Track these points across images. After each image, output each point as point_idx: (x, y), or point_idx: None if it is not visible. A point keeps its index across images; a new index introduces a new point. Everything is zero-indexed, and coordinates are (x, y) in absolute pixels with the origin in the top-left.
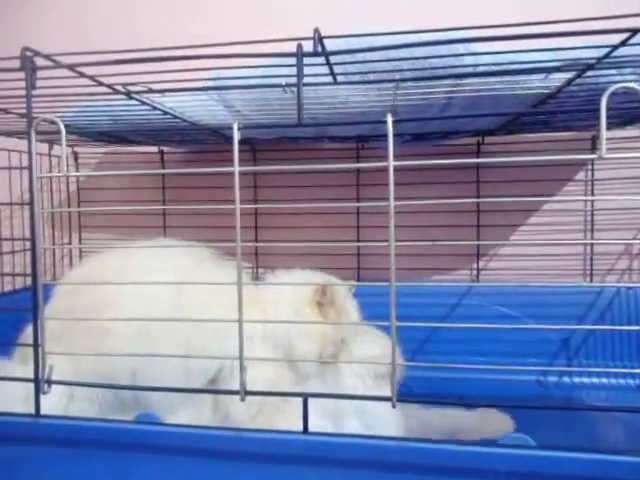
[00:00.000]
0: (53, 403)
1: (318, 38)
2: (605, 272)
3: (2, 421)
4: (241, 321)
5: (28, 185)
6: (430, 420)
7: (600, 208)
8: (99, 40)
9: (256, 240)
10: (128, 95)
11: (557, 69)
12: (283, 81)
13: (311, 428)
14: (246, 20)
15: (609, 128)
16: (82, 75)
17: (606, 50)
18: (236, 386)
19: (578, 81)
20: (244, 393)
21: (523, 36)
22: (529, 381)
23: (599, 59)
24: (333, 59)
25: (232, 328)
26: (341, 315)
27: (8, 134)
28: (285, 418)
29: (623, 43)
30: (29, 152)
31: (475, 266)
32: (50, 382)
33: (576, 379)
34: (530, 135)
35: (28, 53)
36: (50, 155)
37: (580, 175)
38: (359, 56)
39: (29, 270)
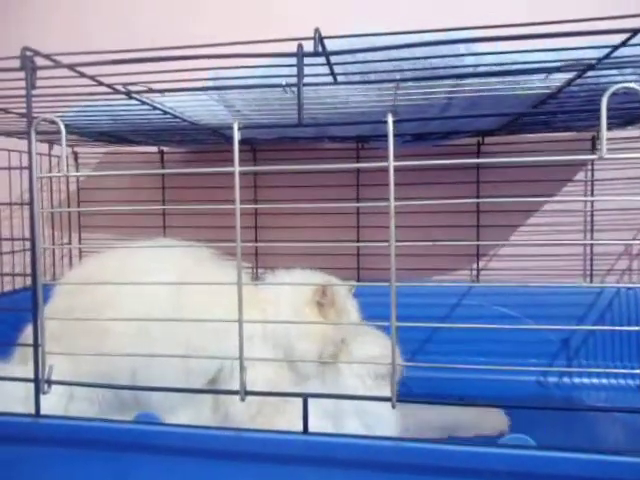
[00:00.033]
0: (53, 403)
1: (319, 38)
2: (605, 272)
3: (2, 421)
4: (241, 321)
5: (28, 185)
6: (427, 418)
7: (600, 208)
8: (99, 40)
9: (256, 240)
10: (128, 95)
11: (558, 69)
12: (283, 81)
13: (311, 428)
14: (246, 20)
15: (609, 128)
16: (82, 75)
17: (607, 50)
18: (236, 386)
19: (579, 81)
20: (244, 393)
21: (524, 36)
22: (529, 381)
23: (600, 59)
24: (333, 59)
25: (232, 328)
26: (341, 315)
27: (8, 134)
28: (285, 418)
29: (624, 43)
30: (29, 152)
31: (475, 266)
32: (50, 382)
33: (576, 379)
34: (530, 135)
35: (28, 53)
36: (50, 155)
37: (580, 175)
38: (360, 56)
39: (29, 270)
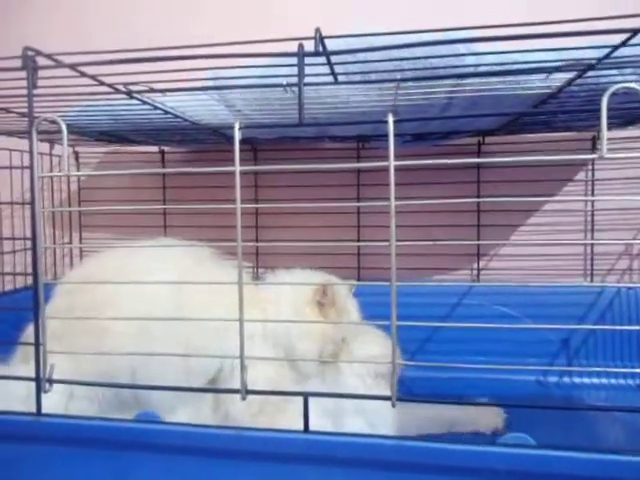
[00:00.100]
0: (54, 402)
1: (319, 38)
2: (605, 272)
3: (4, 420)
4: (242, 320)
5: (29, 184)
6: (425, 415)
7: (600, 208)
8: (99, 40)
9: (257, 240)
10: (129, 95)
11: (558, 69)
12: (284, 81)
13: (311, 427)
14: (246, 20)
15: (610, 128)
16: (83, 75)
17: (607, 50)
18: (236, 386)
19: (579, 81)
20: (245, 392)
21: (524, 36)
22: (529, 381)
23: (600, 59)
24: (334, 59)
25: (232, 327)
26: (341, 315)
27: (9, 133)
28: (286, 417)
29: (624, 43)
30: (30, 151)
31: (475, 266)
32: (51, 381)
33: (576, 379)
34: (531, 135)
35: (30, 53)
36: (51, 155)
37: (580, 175)
38: (360, 56)
39: (30, 269)
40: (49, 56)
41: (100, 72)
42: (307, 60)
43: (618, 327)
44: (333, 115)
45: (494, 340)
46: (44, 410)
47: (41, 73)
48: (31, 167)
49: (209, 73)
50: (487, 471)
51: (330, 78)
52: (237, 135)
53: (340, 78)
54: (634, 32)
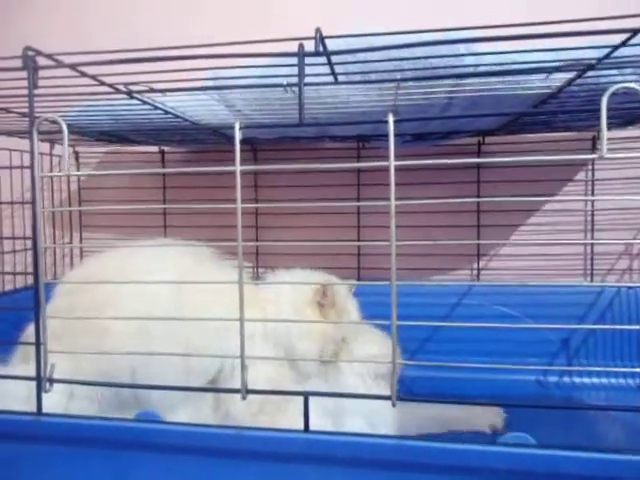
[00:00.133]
0: (54, 402)
1: (320, 38)
2: (605, 272)
3: (4, 419)
4: (242, 320)
5: (29, 184)
6: (425, 414)
7: (600, 208)
8: (99, 40)
9: (257, 240)
10: (129, 95)
11: (558, 69)
12: (284, 81)
13: (312, 427)
14: (247, 20)
15: (610, 128)
16: (83, 75)
17: (607, 50)
18: (236, 386)
19: (579, 81)
20: (245, 392)
21: (524, 36)
22: (529, 381)
23: (600, 59)
24: (334, 59)
25: (233, 327)
26: (342, 315)
27: (9, 133)
28: (286, 417)
29: (624, 43)
30: (31, 151)
31: (475, 266)
32: (52, 380)
33: (576, 379)
34: (531, 135)
35: (30, 53)
36: (51, 154)
37: (580, 175)
38: (360, 56)
39: (30, 269)
40: (49, 56)
41: (100, 72)
42: (307, 60)
43: (618, 327)
44: (333, 115)
45: (494, 340)
46: (44, 410)
47: (41, 73)
48: (32, 167)
49: (209, 73)
50: (487, 470)
51: (330, 78)
52: (237, 135)
53: (340, 78)
54: (634, 32)
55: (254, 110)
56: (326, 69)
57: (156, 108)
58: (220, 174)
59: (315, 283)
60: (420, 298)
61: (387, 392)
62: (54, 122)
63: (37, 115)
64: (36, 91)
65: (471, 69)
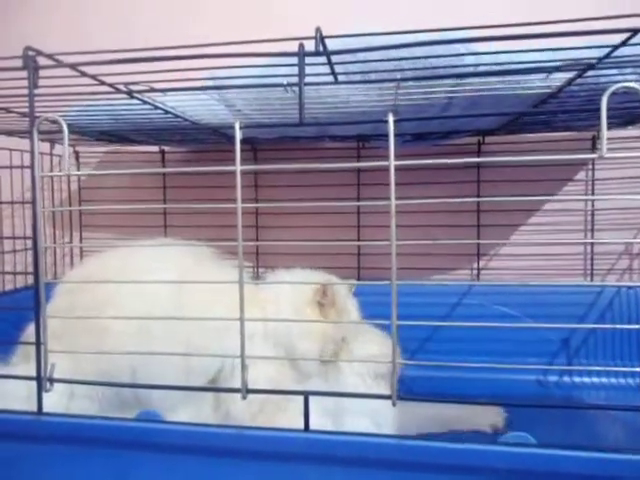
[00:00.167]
0: (54, 401)
1: (320, 38)
2: (605, 272)
3: (4, 419)
4: (242, 319)
5: (29, 184)
6: (426, 414)
7: (600, 208)
8: (99, 40)
9: (257, 239)
10: (130, 94)
11: (558, 69)
12: (284, 80)
13: (312, 426)
14: (247, 20)
15: (609, 128)
16: (84, 74)
17: (607, 50)
18: (237, 385)
19: (579, 81)
20: (245, 391)
21: (524, 36)
22: (529, 381)
23: (600, 59)
24: (334, 59)
25: (233, 327)
26: (342, 315)
27: (9, 133)
28: (286, 416)
29: (624, 43)
30: (31, 151)
31: (475, 266)
32: (52, 380)
33: (576, 379)
34: (531, 135)
35: (30, 52)
36: (51, 154)
37: (580, 175)
38: (360, 56)
39: (30, 269)
40: (50, 56)
41: (100, 72)
42: (307, 60)
43: (618, 326)
44: (333, 115)
45: (494, 340)
46: (45, 409)
47: (42, 73)
48: (32, 167)
49: (209, 73)
50: (487, 470)
51: (330, 78)
52: (238, 135)
53: (340, 78)
54: (634, 32)
55: (254, 110)
56: (326, 69)
57: (156, 108)
58: (220, 174)
59: (315, 283)
60: (420, 298)
61: (387, 392)
62: (54, 122)
63: (37, 115)
64: (36, 91)
65: (471, 69)
